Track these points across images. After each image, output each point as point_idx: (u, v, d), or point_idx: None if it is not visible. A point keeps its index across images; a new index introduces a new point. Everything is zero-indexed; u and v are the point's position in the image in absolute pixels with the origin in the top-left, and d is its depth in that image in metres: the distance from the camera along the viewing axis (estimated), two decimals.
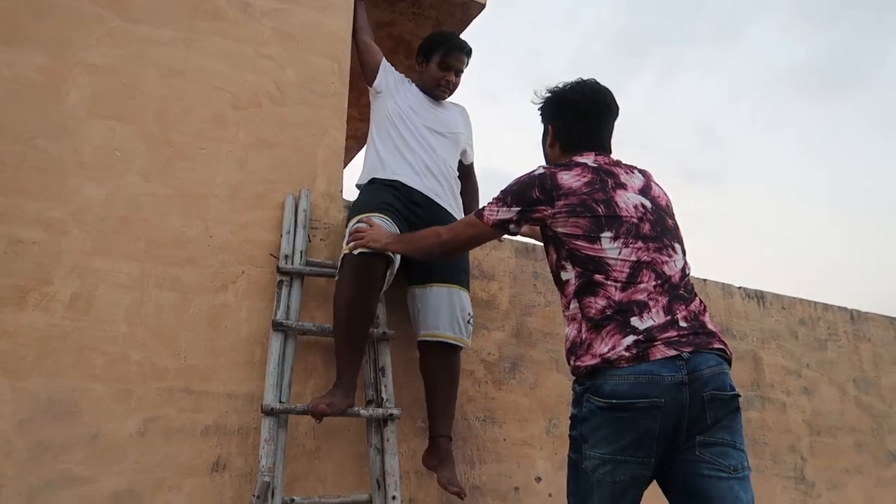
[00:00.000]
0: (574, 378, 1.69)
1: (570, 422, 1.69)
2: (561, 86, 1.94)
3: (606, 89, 1.93)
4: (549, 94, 1.96)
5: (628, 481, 1.57)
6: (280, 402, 2.03)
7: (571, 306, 1.70)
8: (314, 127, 2.58)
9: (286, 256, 2.26)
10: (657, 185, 1.88)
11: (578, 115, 1.91)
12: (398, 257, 2.18)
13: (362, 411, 2.10)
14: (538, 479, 2.58)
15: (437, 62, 2.63)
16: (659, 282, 1.64)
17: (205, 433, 2.06)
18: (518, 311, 2.82)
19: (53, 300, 2.01)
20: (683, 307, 1.64)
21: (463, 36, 3.33)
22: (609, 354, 1.57)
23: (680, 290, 1.67)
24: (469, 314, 2.41)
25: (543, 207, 1.73)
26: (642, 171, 1.88)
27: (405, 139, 2.50)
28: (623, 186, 1.76)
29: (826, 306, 3.89)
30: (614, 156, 1.91)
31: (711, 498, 1.53)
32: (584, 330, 1.65)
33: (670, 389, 1.53)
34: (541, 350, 2.80)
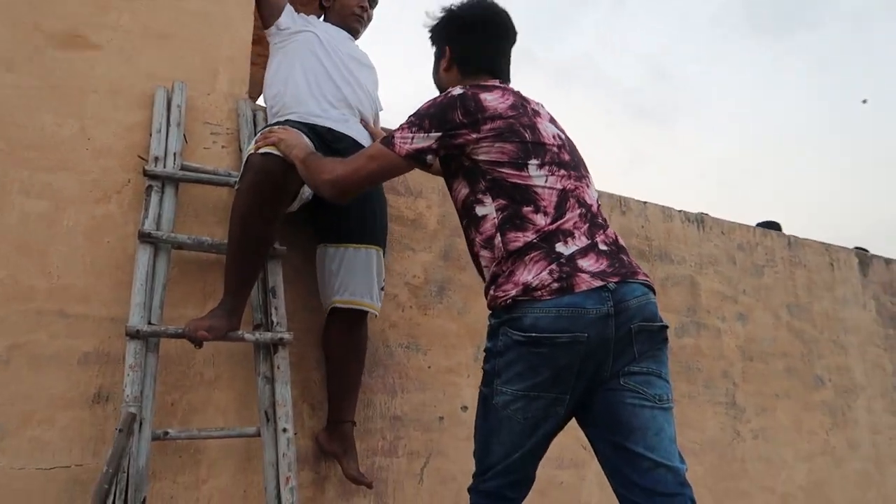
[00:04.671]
0: (490, 311, 1.54)
1: (483, 355, 1.55)
2: (457, 3, 1.75)
3: (506, 10, 1.77)
4: (444, 13, 1.77)
5: (540, 417, 1.46)
6: (149, 323, 1.79)
7: (495, 241, 1.51)
8: (217, 19, 2.25)
9: (156, 158, 1.96)
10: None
11: (479, 36, 1.73)
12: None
13: (248, 335, 1.87)
14: (464, 408, 2.44)
15: None
16: (582, 210, 1.54)
17: (83, 361, 1.81)
18: (447, 231, 2.62)
19: None
20: (602, 233, 1.54)
21: None
22: (532, 281, 1.43)
23: (598, 218, 1.58)
24: (384, 279, 2.19)
25: (467, 132, 1.52)
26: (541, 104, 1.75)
27: (328, 71, 2.17)
28: (539, 114, 1.63)
29: (764, 231, 3.83)
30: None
31: (633, 427, 1.43)
32: (505, 262, 1.49)
33: (595, 323, 1.41)
34: (471, 273, 2.61)
